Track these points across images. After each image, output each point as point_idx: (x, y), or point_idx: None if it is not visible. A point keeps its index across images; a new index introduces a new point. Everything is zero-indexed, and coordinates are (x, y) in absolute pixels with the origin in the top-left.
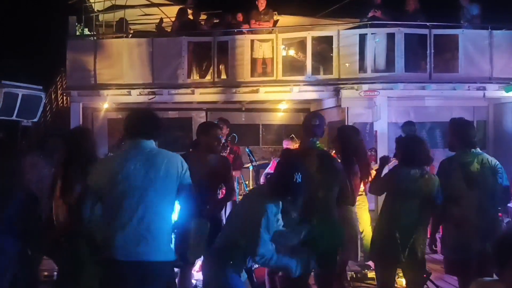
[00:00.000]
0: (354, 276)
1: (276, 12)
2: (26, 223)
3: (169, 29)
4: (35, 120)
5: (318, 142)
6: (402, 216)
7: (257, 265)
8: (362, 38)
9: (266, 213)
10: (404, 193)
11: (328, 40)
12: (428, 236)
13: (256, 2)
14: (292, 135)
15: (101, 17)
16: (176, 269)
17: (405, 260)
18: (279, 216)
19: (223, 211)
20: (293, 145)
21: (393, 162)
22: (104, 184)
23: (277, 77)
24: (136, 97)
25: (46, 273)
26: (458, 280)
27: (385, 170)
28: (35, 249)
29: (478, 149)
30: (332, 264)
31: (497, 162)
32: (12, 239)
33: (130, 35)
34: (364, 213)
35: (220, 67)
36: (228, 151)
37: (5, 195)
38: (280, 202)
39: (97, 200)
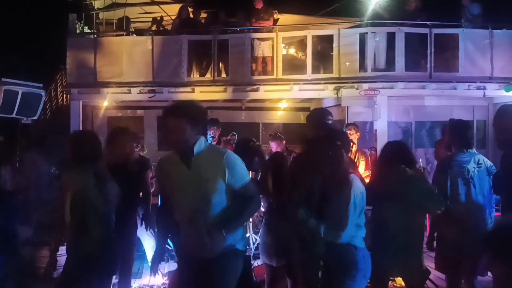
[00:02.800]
0: None
1: (276, 11)
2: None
3: (169, 28)
4: (35, 118)
5: None
6: (389, 223)
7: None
8: (363, 37)
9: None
10: (387, 197)
11: (328, 39)
12: (427, 234)
13: (254, 2)
14: (278, 133)
15: (101, 15)
16: None
17: (401, 269)
18: None
19: None
20: (281, 144)
21: None
22: None
23: (277, 76)
24: (136, 95)
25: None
26: (446, 278)
27: None
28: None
29: (474, 150)
30: None
31: (492, 164)
32: None
33: (131, 33)
34: None
35: (220, 65)
36: None
37: None
38: None
39: None
